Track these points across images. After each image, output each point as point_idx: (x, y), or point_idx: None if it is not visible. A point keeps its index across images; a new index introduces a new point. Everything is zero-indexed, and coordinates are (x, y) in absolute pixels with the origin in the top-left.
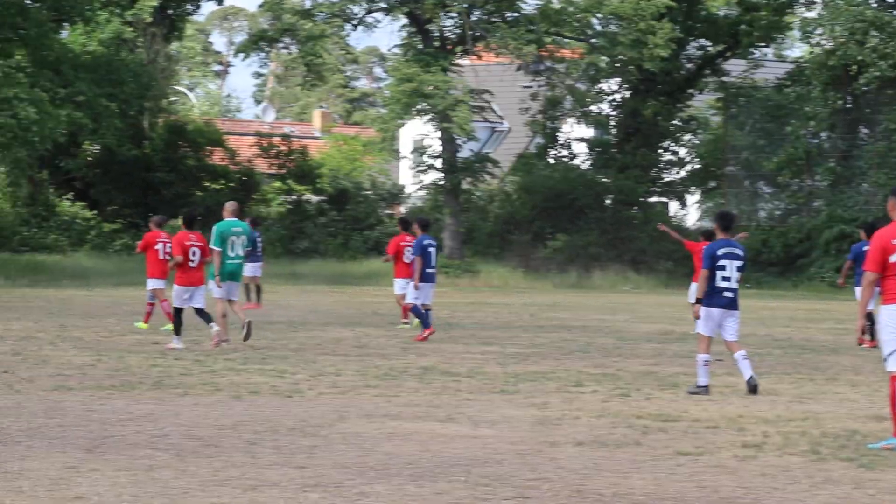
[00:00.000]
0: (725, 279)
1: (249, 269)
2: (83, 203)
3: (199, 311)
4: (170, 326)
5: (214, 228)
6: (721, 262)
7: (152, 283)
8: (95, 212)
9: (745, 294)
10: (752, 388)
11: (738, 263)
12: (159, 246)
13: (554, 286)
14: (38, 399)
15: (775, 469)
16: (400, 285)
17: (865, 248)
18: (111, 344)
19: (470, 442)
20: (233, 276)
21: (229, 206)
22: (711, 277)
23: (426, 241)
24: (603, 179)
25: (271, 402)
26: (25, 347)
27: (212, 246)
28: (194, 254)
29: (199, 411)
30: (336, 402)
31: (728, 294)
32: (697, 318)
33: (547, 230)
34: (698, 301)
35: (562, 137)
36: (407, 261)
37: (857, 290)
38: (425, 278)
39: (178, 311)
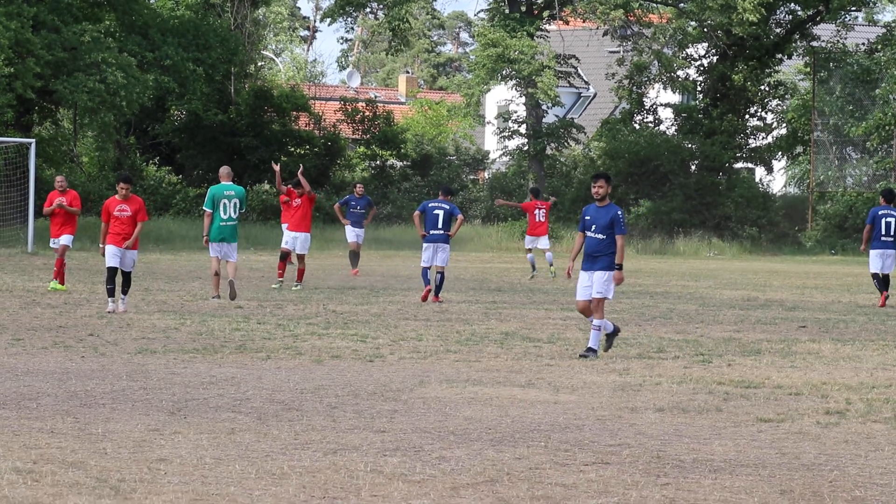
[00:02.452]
0: None
1: (353, 236)
2: (169, 167)
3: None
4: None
5: (209, 191)
6: None
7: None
8: (181, 176)
9: (829, 261)
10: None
11: None
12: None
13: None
14: (123, 362)
15: (858, 436)
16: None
17: (882, 213)
18: (194, 308)
19: (550, 407)
20: (225, 238)
21: (223, 170)
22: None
23: (432, 204)
24: (688, 145)
25: (353, 367)
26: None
27: (204, 207)
28: None
29: (280, 375)
30: (417, 366)
31: None
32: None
33: (631, 196)
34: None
35: (648, 103)
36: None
37: (872, 253)
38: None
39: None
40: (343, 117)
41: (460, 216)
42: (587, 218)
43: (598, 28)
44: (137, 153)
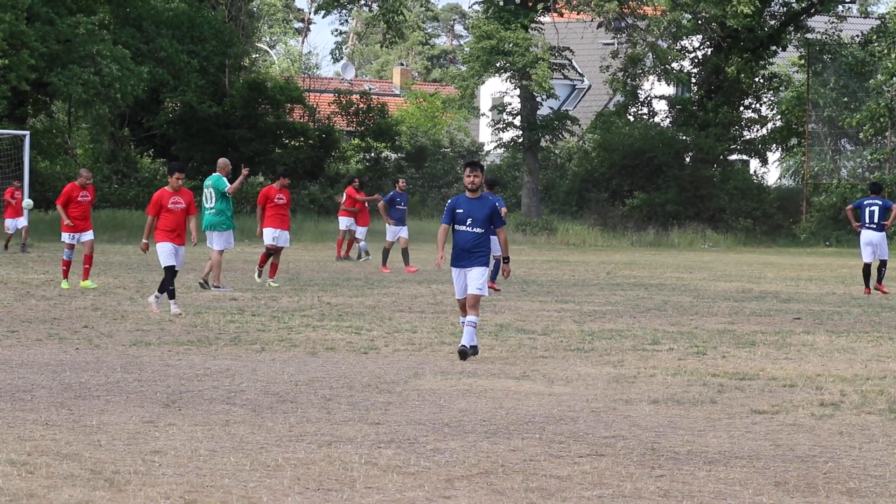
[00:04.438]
0: None
1: (393, 234)
2: (163, 160)
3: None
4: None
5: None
6: None
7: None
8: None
9: (824, 253)
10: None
11: None
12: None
13: (631, 244)
14: (117, 354)
15: (852, 428)
16: None
17: (867, 202)
18: (189, 300)
19: (545, 399)
20: (207, 227)
21: (219, 162)
22: None
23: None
24: (683, 137)
25: (347, 359)
26: (105, 303)
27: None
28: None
29: (275, 367)
30: (411, 358)
31: None
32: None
33: (625, 188)
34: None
35: (642, 95)
36: None
37: (862, 242)
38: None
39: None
40: (337, 109)
41: (503, 208)
42: (459, 211)
43: (592, 20)
44: (132, 145)
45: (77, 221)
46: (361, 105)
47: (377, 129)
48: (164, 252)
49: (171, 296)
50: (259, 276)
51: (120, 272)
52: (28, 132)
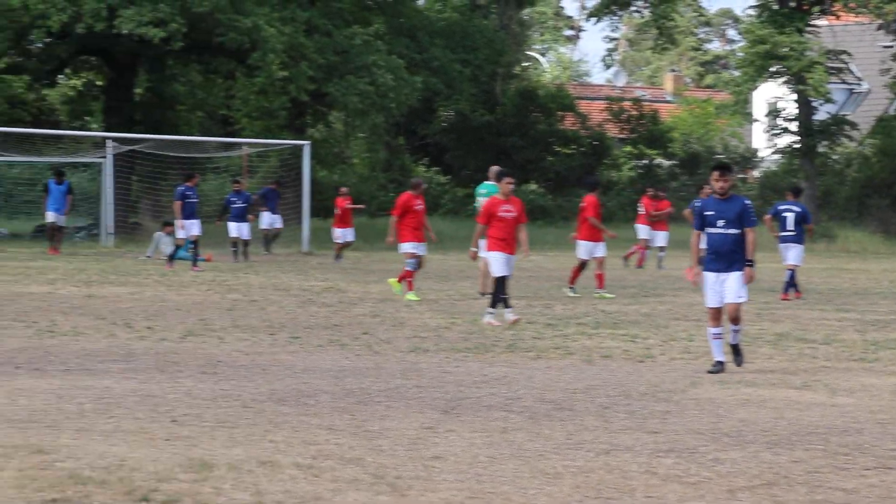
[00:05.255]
0: None
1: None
2: (437, 168)
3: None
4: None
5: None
6: None
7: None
8: (449, 176)
9: None
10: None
11: None
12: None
13: None
14: (396, 360)
15: None
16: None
17: (782, 208)
18: (464, 307)
19: (827, 410)
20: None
21: (491, 170)
22: None
23: (782, 206)
24: None
25: (623, 367)
26: (383, 310)
27: None
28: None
29: (551, 375)
30: (689, 367)
31: None
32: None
33: None
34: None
35: None
36: None
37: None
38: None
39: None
40: (609, 116)
41: (811, 225)
42: (709, 213)
43: (871, 22)
44: (406, 154)
45: (416, 232)
46: (633, 112)
47: (649, 135)
48: (497, 261)
49: (506, 304)
50: (573, 291)
51: None
52: (307, 142)
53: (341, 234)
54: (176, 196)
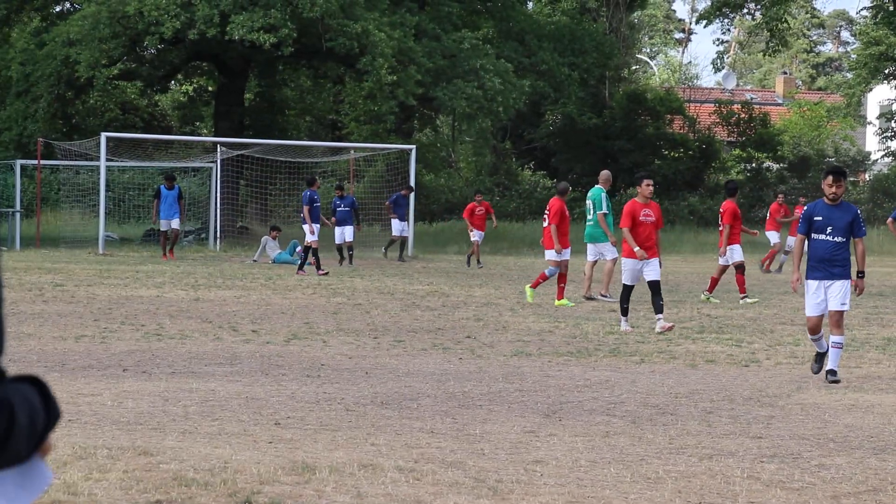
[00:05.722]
0: None
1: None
2: (543, 172)
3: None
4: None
5: None
6: None
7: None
8: (555, 180)
9: None
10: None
11: None
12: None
13: None
14: (499, 364)
15: None
16: None
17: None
18: (568, 311)
19: None
20: (589, 238)
21: (601, 174)
22: None
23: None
24: None
25: (727, 372)
26: (486, 313)
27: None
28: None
29: (654, 379)
30: (794, 372)
31: None
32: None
33: None
34: None
35: None
36: None
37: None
38: None
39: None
40: (718, 120)
41: None
42: (817, 218)
43: None
44: (513, 158)
45: (563, 238)
46: (743, 115)
47: (759, 138)
48: (627, 269)
49: (626, 312)
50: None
51: (501, 283)
52: (414, 146)
53: (478, 236)
54: (304, 200)
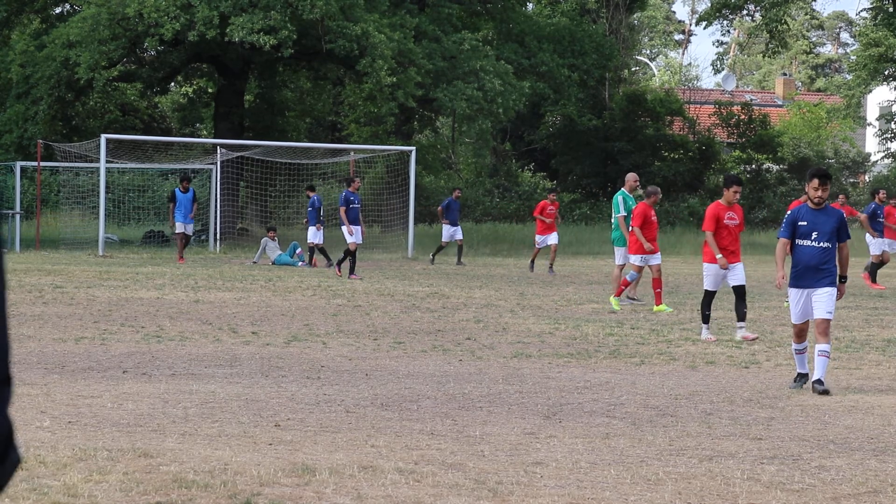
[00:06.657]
0: None
1: None
2: (543, 173)
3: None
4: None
5: None
6: None
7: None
8: (555, 182)
9: None
10: None
11: None
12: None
13: None
14: (499, 365)
15: None
16: None
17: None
18: (568, 312)
19: None
20: (614, 241)
21: (626, 177)
22: None
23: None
24: None
25: (728, 373)
26: (486, 315)
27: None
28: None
29: (654, 380)
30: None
31: None
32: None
33: None
34: None
35: None
36: None
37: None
38: None
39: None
40: (717, 121)
41: None
42: (802, 223)
43: None
44: (513, 159)
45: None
46: (742, 116)
47: (758, 140)
48: (710, 274)
49: (707, 320)
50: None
51: (501, 285)
52: (414, 148)
53: (541, 241)
54: (341, 202)
